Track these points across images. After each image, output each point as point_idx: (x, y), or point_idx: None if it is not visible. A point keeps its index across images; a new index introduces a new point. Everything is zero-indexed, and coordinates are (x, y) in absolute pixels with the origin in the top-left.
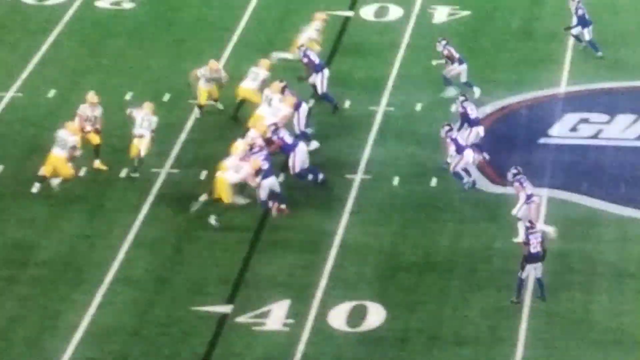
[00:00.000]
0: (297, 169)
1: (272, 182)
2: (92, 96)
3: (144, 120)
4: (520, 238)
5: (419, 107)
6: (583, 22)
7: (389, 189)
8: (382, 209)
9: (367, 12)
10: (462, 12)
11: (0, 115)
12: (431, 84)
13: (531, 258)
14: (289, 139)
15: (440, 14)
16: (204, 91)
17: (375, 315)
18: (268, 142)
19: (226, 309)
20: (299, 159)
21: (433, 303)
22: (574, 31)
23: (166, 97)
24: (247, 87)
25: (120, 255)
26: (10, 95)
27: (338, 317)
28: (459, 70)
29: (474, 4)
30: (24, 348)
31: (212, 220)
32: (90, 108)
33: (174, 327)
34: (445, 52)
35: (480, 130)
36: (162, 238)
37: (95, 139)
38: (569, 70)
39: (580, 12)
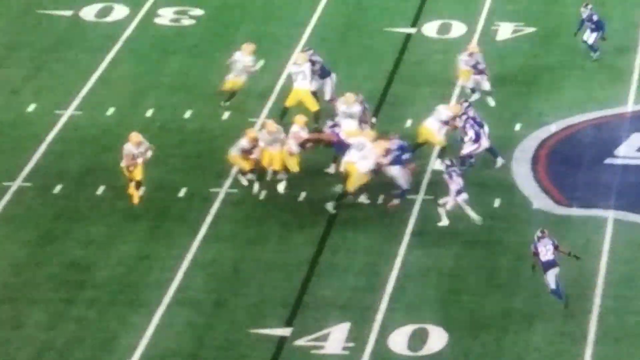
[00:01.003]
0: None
1: (395, 172)
2: (135, 135)
3: (238, 63)
4: (444, 222)
5: None
6: (600, 27)
7: (451, 209)
8: (444, 230)
9: (430, 29)
10: (526, 28)
11: (59, 133)
12: (495, 104)
13: (547, 266)
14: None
15: (505, 31)
16: (267, 155)
17: (437, 339)
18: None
19: (285, 331)
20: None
21: (496, 327)
22: (591, 40)
23: (225, 115)
24: (303, 87)
25: (179, 276)
26: (69, 113)
27: (399, 341)
28: (477, 79)
29: (539, 21)
30: None
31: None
32: (135, 147)
33: (232, 350)
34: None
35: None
36: (220, 259)
37: (138, 175)
38: (637, 88)
39: (595, 17)
